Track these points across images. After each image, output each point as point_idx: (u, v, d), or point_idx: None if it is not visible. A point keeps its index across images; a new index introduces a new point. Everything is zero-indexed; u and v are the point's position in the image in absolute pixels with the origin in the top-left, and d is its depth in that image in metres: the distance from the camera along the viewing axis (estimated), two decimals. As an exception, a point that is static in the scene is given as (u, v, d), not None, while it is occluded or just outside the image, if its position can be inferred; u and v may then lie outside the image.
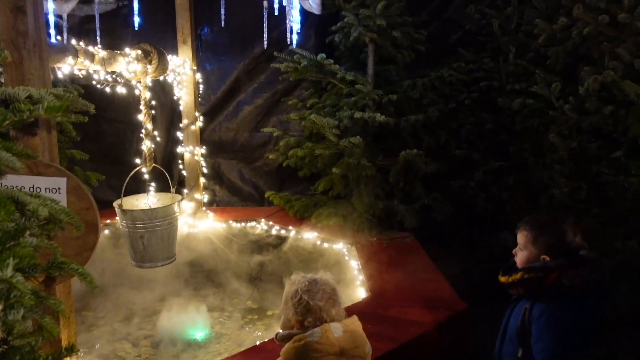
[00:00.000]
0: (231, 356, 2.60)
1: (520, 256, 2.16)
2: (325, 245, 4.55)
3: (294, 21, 4.29)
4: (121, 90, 3.89)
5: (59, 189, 2.26)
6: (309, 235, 4.66)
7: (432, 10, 5.79)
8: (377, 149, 4.86)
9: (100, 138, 5.86)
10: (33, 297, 1.12)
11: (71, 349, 1.22)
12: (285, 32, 4.76)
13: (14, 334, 1.26)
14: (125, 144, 6.03)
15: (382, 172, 4.76)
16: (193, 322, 4.19)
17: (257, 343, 2.84)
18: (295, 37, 4.44)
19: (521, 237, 2.16)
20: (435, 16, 5.77)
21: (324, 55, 4.86)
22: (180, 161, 5.19)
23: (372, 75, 5.06)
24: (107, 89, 3.69)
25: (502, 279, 2.14)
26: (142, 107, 3.56)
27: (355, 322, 1.97)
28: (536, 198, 4.51)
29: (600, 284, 2.02)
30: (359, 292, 3.56)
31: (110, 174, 5.19)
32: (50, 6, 4.48)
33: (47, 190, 2.25)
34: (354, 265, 4.03)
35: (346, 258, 4.28)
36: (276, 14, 3.79)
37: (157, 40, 5.51)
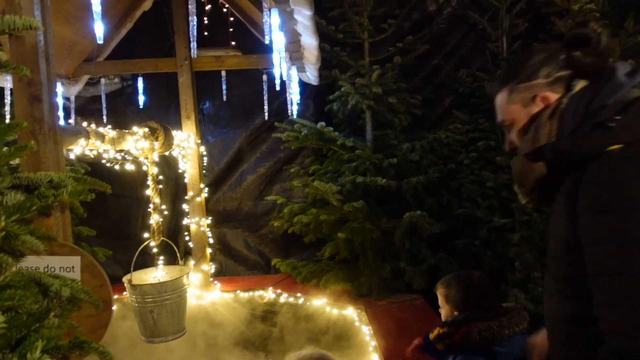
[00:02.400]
0: None
1: (442, 314, 2.33)
2: (335, 311, 4.51)
3: (294, 93, 4.46)
4: (128, 166, 4.00)
5: (73, 267, 2.30)
6: (318, 302, 4.63)
7: (425, 76, 6.00)
8: (381, 212, 4.91)
9: (106, 214, 5.93)
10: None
11: None
12: (285, 102, 4.94)
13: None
14: (131, 219, 6.09)
15: (387, 234, 4.80)
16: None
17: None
18: (295, 107, 4.60)
19: (439, 295, 2.33)
20: (429, 81, 5.99)
21: (323, 123, 5.01)
22: (186, 233, 5.23)
23: (371, 140, 5.20)
24: (116, 167, 3.79)
25: (430, 335, 2.26)
26: (149, 182, 3.64)
27: None
28: (544, 252, 4.52)
29: (521, 333, 2.10)
30: (373, 358, 3.51)
31: (116, 248, 5.22)
32: (59, 89, 4.68)
33: (62, 269, 2.29)
34: (366, 330, 3.99)
35: (357, 324, 4.24)
36: (277, 88, 3.94)
37: (160, 116, 5.71)
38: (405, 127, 5.39)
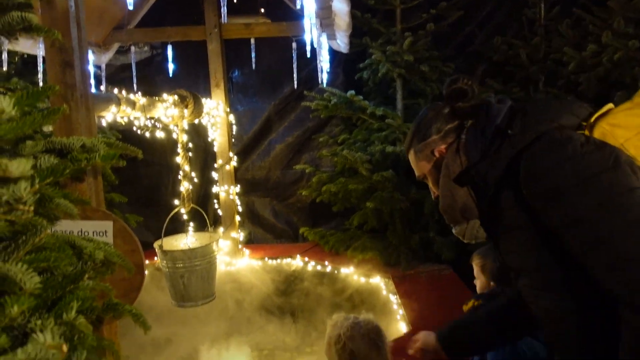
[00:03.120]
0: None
1: (477, 285, 2.34)
2: (362, 279, 4.53)
3: (324, 60, 4.40)
4: (158, 134, 4.03)
5: (105, 232, 2.34)
6: (346, 270, 4.66)
7: (458, 43, 5.86)
8: (410, 182, 4.86)
9: (136, 181, 6.02)
10: (95, 339, 1.16)
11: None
12: (313, 71, 4.88)
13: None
14: (161, 186, 6.18)
15: (416, 204, 4.76)
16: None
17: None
18: (325, 76, 4.55)
19: (474, 267, 2.33)
20: (462, 49, 5.85)
21: (353, 92, 4.95)
22: (215, 201, 5.28)
23: (401, 109, 5.13)
24: (147, 134, 3.82)
25: (463, 307, 2.28)
26: (179, 149, 3.66)
27: None
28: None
29: None
30: (400, 327, 3.52)
31: (146, 215, 5.31)
32: (90, 58, 4.71)
33: (95, 233, 2.33)
34: (393, 299, 4.00)
35: (384, 292, 4.25)
36: (307, 55, 3.89)
37: (189, 84, 5.71)
38: (436, 96, 5.29)
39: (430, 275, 4.30)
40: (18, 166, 0.95)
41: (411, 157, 1.66)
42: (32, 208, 1.14)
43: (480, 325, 1.79)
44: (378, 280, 4.41)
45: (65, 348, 1.03)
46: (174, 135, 3.75)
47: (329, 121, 5.90)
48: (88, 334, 1.15)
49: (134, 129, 3.60)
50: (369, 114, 5.05)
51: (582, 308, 1.33)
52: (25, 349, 0.94)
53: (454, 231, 1.62)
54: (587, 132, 1.39)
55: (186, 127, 3.78)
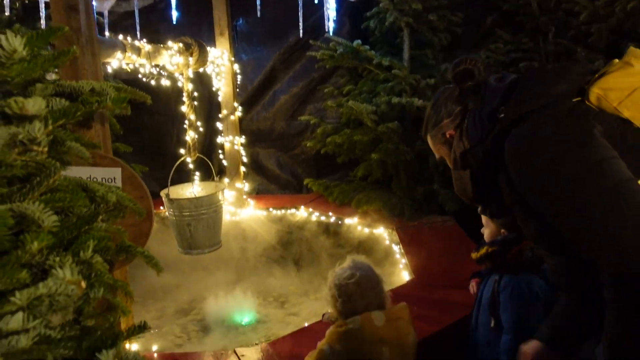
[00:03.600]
0: (281, 337, 2.67)
1: (485, 233, 2.28)
2: (366, 230, 4.59)
3: (330, 8, 4.32)
4: (163, 83, 4.01)
5: (114, 178, 2.36)
6: (350, 221, 4.71)
7: (468, -8, 5.71)
8: (415, 134, 4.85)
9: (141, 131, 6.01)
10: (111, 277, 1.19)
11: (144, 327, 1.30)
12: (319, 20, 4.80)
13: (85, 314, 1.34)
14: (166, 136, 6.18)
15: (421, 157, 4.76)
16: (239, 307, 4.31)
17: (305, 324, 2.90)
18: (331, 24, 4.47)
19: (483, 216, 2.25)
20: (471, -1, 5.70)
21: (359, 41, 4.87)
22: (220, 151, 5.29)
23: (408, 60, 5.05)
24: (152, 82, 3.79)
25: (473, 255, 2.29)
26: (185, 98, 3.65)
27: (401, 311, 1.96)
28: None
29: None
30: (403, 276, 3.59)
31: (151, 165, 5.32)
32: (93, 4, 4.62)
33: (104, 180, 2.35)
34: (396, 249, 4.06)
35: (387, 242, 4.31)
36: (315, 0, 3.81)
37: (193, 33, 5.61)
38: (444, 47, 5.21)
39: (433, 227, 4.34)
40: (34, 104, 0.95)
41: (429, 141, 1.76)
42: (46, 149, 1.16)
43: (577, 311, 1.59)
44: (382, 231, 4.46)
45: (83, 284, 1.06)
46: (179, 84, 3.73)
47: (334, 72, 5.83)
48: (104, 272, 1.18)
49: (139, 76, 3.57)
50: (375, 64, 4.98)
51: (580, 267, 1.41)
52: (47, 284, 0.97)
53: (479, 211, 1.81)
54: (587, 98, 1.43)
55: (191, 76, 3.75)
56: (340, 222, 4.81)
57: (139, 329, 1.31)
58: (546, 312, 2.18)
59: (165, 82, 3.94)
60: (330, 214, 4.90)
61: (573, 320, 1.60)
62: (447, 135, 1.66)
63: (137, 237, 2.37)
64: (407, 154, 4.60)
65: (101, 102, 1.34)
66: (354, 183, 5.19)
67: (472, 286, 2.58)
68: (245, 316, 4.25)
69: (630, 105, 1.34)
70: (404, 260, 3.77)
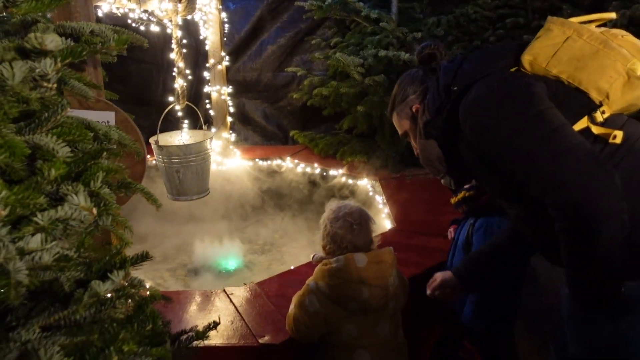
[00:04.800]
0: (268, 278, 2.81)
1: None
2: (350, 181, 4.70)
3: (320, -42, 4.28)
4: (152, 29, 3.99)
5: (108, 122, 2.41)
6: (334, 172, 4.81)
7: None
8: (401, 88, 4.90)
9: (127, 79, 5.98)
10: (118, 207, 1.28)
11: (146, 256, 1.39)
12: (309, -32, 4.75)
13: (88, 246, 1.43)
14: (152, 85, 6.15)
15: (406, 110, 4.82)
16: (226, 253, 4.44)
17: (292, 267, 3.04)
18: (321, -27, 4.43)
19: None
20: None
21: (348, -8, 4.85)
22: (207, 101, 5.31)
23: (396, 13, 5.05)
24: (142, 27, 3.78)
25: (452, 200, 2.50)
26: (174, 45, 3.66)
27: (384, 254, 2.05)
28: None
29: None
30: (385, 224, 3.73)
31: (137, 114, 5.32)
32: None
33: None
34: (379, 199, 4.19)
35: (371, 193, 4.43)
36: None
37: (180, -21, 5.54)
38: (432, 1, 5.21)
39: (415, 179, 4.46)
40: (52, 40, 1.01)
41: (394, 118, 1.92)
42: (55, 86, 1.22)
43: (490, 256, 2.07)
44: (365, 182, 4.58)
45: (95, 211, 1.15)
46: (169, 31, 3.73)
47: (322, 23, 5.82)
48: (112, 202, 1.27)
49: (129, 21, 3.55)
50: (363, 16, 4.99)
51: (537, 212, 1.55)
52: (63, 208, 1.05)
53: (442, 182, 1.94)
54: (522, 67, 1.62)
55: (180, 23, 3.75)
56: (325, 173, 4.91)
57: (142, 257, 1.41)
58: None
59: (154, 29, 3.93)
60: (316, 165, 4.99)
61: (489, 265, 2.06)
62: (413, 109, 1.82)
63: (133, 179, 2.44)
64: (393, 107, 4.66)
65: (104, 43, 1.39)
66: (339, 135, 5.27)
67: (450, 232, 2.73)
68: (232, 262, 4.38)
69: (556, 63, 1.55)
70: (386, 210, 3.90)
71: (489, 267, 2.08)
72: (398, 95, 1.89)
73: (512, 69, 1.63)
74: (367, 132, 5.02)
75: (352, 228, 2.04)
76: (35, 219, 0.99)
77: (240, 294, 2.61)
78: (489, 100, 1.56)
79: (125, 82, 5.93)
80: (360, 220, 2.07)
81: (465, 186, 2.54)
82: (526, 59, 1.60)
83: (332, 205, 2.13)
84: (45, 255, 0.98)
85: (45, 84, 1.18)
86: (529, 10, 5.03)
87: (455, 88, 1.65)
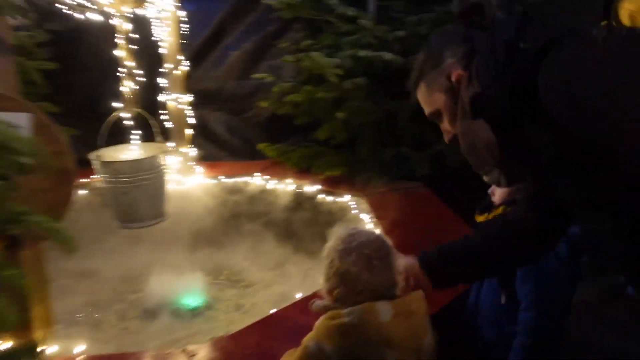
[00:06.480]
0: (243, 328, 2.17)
1: (499, 193, 1.98)
2: (329, 199, 4.16)
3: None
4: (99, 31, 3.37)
5: (20, 126, 1.78)
6: (311, 189, 4.26)
7: None
8: (384, 92, 4.41)
9: (72, 90, 5.28)
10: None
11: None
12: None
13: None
14: (101, 96, 5.45)
15: (389, 116, 4.32)
16: (186, 288, 3.78)
17: (271, 312, 2.38)
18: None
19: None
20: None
21: (320, -12, 4.36)
22: (162, 111, 4.67)
23: (374, 10, 4.59)
24: (81, 16, 3.15)
25: (480, 217, 1.99)
26: (120, 40, 3.04)
27: (415, 302, 1.48)
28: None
29: None
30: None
31: (85, 129, 4.67)
32: None
33: (6, 129, 1.77)
34: (366, 219, 3.63)
35: (355, 212, 3.88)
36: None
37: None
38: (411, -1, 4.77)
39: (405, 193, 3.94)
40: None
41: (421, 91, 1.44)
42: None
43: (470, 252, 1.63)
44: (348, 199, 4.04)
45: None
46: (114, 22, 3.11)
47: (290, 25, 5.29)
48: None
49: (65, 9, 2.92)
50: (338, 15, 4.50)
51: None
52: None
53: (485, 179, 1.43)
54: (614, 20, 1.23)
55: (129, 14, 3.13)
56: (300, 190, 4.36)
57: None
58: (570, 281, 1.92)
59: (97, 18, 3.30)
60: (290, 181, 4.44)
61: (461, 265, 1.63)
62: (453, 78, 1.33)
63: (53, 206, 1.80)
64: (375, 113, 4.15)
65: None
66: (315, 147, 4.71)
67: None
68: (194, 299, 3.73)
69: None
70: (377, 231, 3.33)
71: (465, 267, 1.65)
72: (428, 61, 1.41)
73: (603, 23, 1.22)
74: (346, 141, 4.48)
75: (370, 264, 1.45)
76: None
77: (205, 354, 1.96)
78: (593, 66, 1.06)
79: (71, 93, 5.23)
80: (381, 253, 1.48)
81: (495, 198, 2.03)
82: (626, 9, 1.19)
83: (340, 233, 1.54)
84: None
85: None
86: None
87: (526, 45, 1.18)
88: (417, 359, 1.41)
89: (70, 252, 1.03)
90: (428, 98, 1.42)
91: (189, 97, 4.68)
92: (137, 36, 3.70)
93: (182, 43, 4.58)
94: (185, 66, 4.53)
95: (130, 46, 3.12)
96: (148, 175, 3.07)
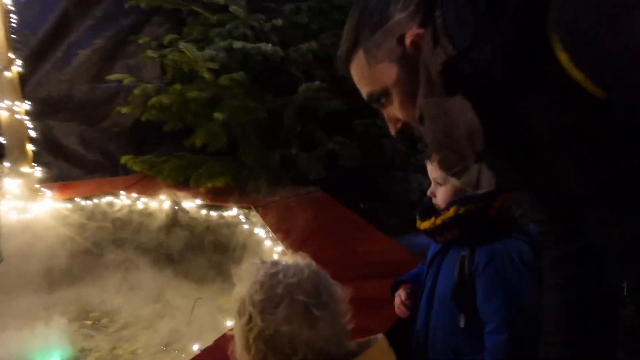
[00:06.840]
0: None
1: (441, 193, 1.63)
2: (214, 213, 3.61)
3: None
4: None
5: None
6: (190, 204, 3.69)
7: None
8: (263, 87, 3.95)
9: None
10: None
11: None
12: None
13: None
14: None
15: (273, 115, 3.88)
16: (43, 341, 3.05)
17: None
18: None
19: (435, 169, 1.64)
20: None
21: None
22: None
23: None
24: None
25: (425, 224, 1.64)
26: None
27: (382, 356, 1.08)
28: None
29: None
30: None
31: None
32: None
33: None
34: (262, 233, 3.13)
35: (246, 226, 3.38)
36: None
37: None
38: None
39: (301, 201, 3.51)
40: None
41: (358, 65, 1.03)
42: None
43: None
44: (235, 212, 3.52)
45: None
46: None
47: (149, 19, 4.70)
48: None
49: None
50: (205, 3, 3.97)
51: None
52: None
53: (461, 182, 1.25)
54: None
55: None
56: (177, 207, 3.77)
57: None
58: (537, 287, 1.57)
59: None
60: (163, 197, 3.83)
61: None
62: (408, 41, 0.95)
63: None
64: (258, 112, 3.68)
65: None
66: (190, 156, 4.12)
67: (400, 295, 1.80)
68: (54, 353, 2.99)
69: None
70: (278, 248, 2.85)
71: None
72: (365, 20, 0.99)
73: None
74: (226, 147, 3.96)
75: (309, 316, 0.99)
76: None
77: None
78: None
79: None
80: (321, 295, 1.03)
81: (437, 200, 1.65)
82: None
83: (254, 273, 1.04)
84: None
85: None
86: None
87: None
88: None
89: None
90: (368, 73, 1.02)
91: (27, 105, 3.85)
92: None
93: (13, 39, 3.76)
94: (17, 66, 3.70)
95: None
96: (-29, 205, 2.33)
